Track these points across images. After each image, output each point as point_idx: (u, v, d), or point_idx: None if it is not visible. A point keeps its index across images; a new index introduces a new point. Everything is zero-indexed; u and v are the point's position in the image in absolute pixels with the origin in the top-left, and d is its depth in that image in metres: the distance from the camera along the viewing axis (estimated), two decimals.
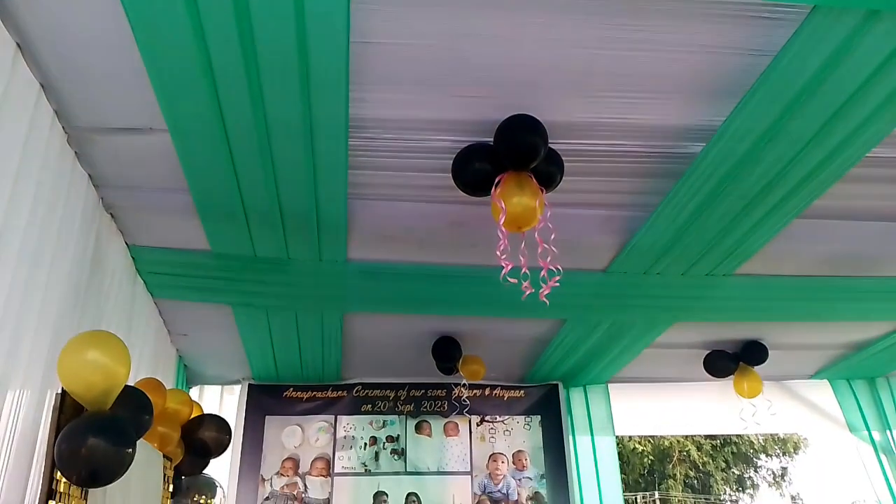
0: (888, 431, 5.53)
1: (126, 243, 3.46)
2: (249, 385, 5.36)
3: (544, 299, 2.59)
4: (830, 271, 3.92)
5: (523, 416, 5.58)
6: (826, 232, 3.47)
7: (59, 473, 2.16)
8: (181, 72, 2.24)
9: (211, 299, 4.07)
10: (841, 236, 3.53)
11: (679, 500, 19.74)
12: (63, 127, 2.61)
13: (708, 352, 5.02)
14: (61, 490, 2.19)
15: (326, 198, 2.99)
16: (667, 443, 19.19)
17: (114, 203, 3.13)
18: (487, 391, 5.58)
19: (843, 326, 4.81)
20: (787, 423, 5.98)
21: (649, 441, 19.05)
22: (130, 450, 2.21)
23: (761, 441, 19.60)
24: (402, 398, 5.51)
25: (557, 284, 2.60)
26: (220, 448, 3.65)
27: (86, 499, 2.34)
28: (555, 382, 5.63)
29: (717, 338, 4.91)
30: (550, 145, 2.53)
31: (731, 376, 5.03)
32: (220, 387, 5.47)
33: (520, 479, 5.37)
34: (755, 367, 4.96)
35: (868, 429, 5.54)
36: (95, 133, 2.65)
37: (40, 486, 2.19)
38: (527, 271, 2.57)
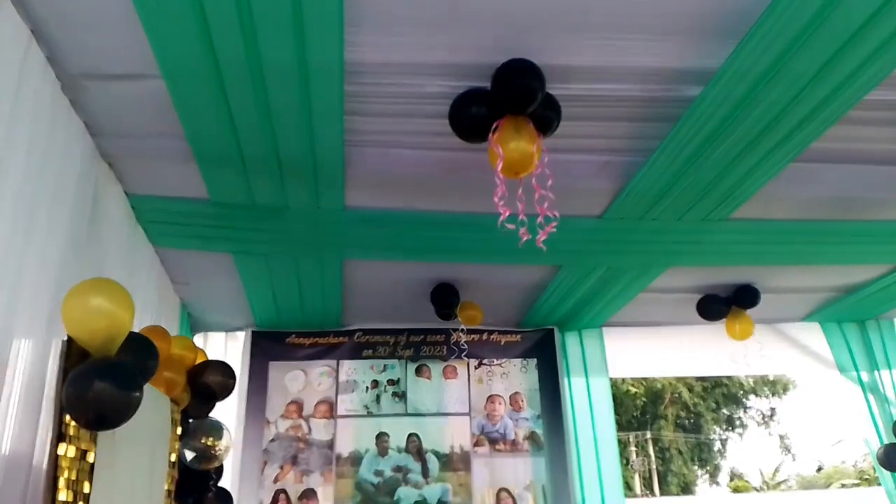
0: (876, 372, 5.65)
1: (125, 192, 3.46)
2: (253, 332, 5.44)
3: (541, 245, 2.61)
4: (825, 215, 3.94)
5: (520, 360, 5.69)
6: (822, 175, 3.48)
7: (68, 417, 2.21)
8: (172, 15, 2.21)
9: (211, 247, 4.09)
10: (836, 180, 3.55)
11: (670, 440, 20.27)
12: (56, 73, 2.58)
13: (701, 296, 5.08)
14: (71, 433, 2.25)
15: (323, 144, 2.99)
16: (659, 385, 19.59)
17: (111, 151, 3.12)
18: (485, 336, 5.68)
19: (835, 270, 4.87)
20: (777, 365, 6.10)
21: (642, 383, 19.44)
22: (137, 394, 2.26)
23: (751, 382, 20.02)
24: (401, 343, 5.61)
25: (554, 230, 2.63)
26: (225, 392, 3.71)
27: (95, 441, 2.40)
28: (550, 327, 5.72)
29: (710, 282, 4.96)
30: (548, 90, 2.52)
31: (724, 319, 5.11)
32: (223, 334, 5.54)
33: (517, 420, 5.50)
34: (747, 311, 5.03)
35: (857, 369, 5.66)
36: (89, 79, 2.62)
37: (51, 430, 2.25)
38: (524, 218, 2.58)
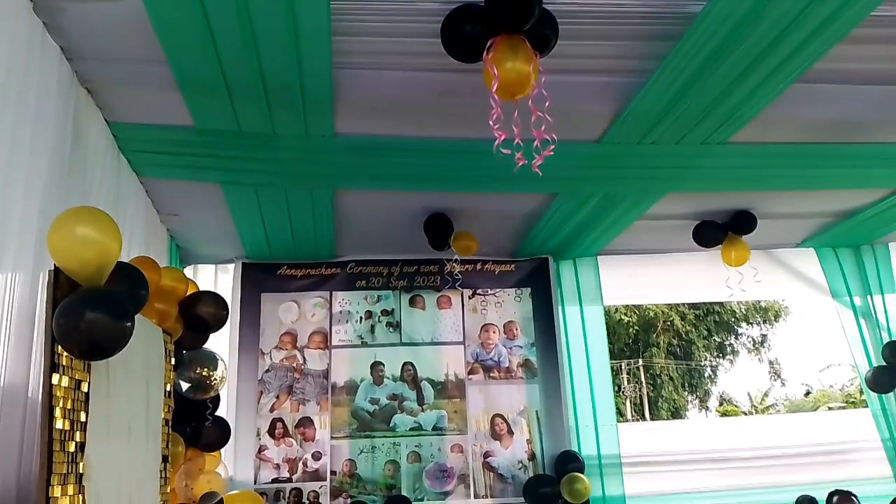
0: (869, 297, 5.69)
1: (106, 120, 3.35)
2: (243, 263, 5.41)
3: (537, 170, 2.54)
4: (825, 138, 3.88)
5: (514, 289, 5.70)
6: (824, 96, 3.40)
7: (59, 347, 2.19)
8: None
9: (198, 177, 4.00)
10: (839, 101, 3.46)
11: (661, 367, 20.69)
12: None
13: (697, 222, 5.06)
14: (64, 363, 2.23)
15: (310, 67, 2.87)
16: (652, 314, 19.86)
17: (90, 77, 3.00)
18: (479, 266, 5.66)
19: (833, 195, 4.83)
20: (771, 291, 6.14)
21: (635, 312, 19.70)
22: (129, 324, 2.24)
23: (743, 310, 20.32)
24: (395, 274, 5.60)
25: (551, 154, 2.55)
26: (218, 323, 3.71)
27: (89, 371, 2.39)
28: (545, 256, 5.70)
29: (707, 208, 4.93)
30: (544, 6, 2.40)
31: (720, 246, 5.10)
32: (213, 266, 5.51)
33: (511, 348, 5.56)
34: (743, 237, 5.02)
35: (850, 294, 5.70)
36: (63, 0, 2.49)
37: (43, 360, 2.23)
38: (519, 142, 2.51)
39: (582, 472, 5.10)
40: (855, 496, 3.98)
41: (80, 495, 2.26)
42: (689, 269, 5.74)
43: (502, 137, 2.48)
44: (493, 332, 5.58)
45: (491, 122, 2.47)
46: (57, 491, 2.14)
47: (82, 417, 2.33)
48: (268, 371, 5.29)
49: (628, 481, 5.27)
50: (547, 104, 2.52)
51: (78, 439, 2.29)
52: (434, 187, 4.38)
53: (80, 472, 2.28)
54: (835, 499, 3.98)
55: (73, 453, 2.25)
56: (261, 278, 5.42)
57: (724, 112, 3.38)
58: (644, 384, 20.56)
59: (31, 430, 2.60)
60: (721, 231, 5.03)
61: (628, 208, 4.72)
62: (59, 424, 2.18)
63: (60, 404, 2.19)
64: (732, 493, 5.29)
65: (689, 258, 5.60)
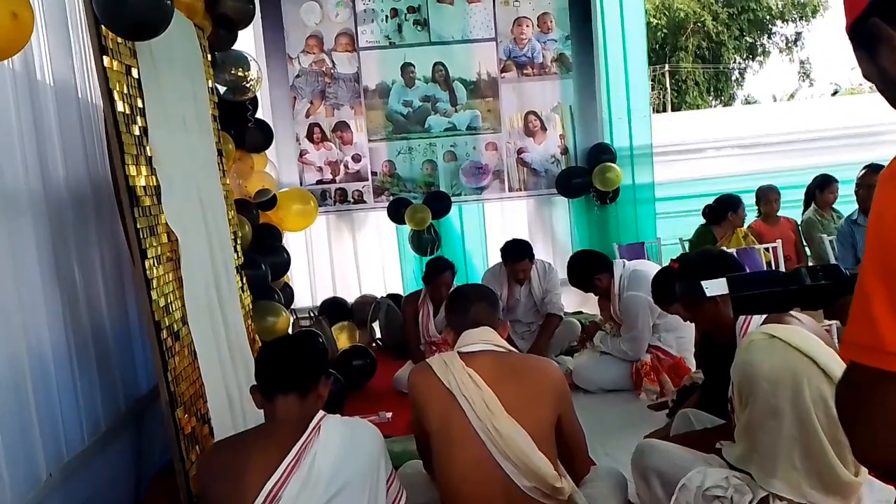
0: None
1: None
2: None
3: None
4: None
5: None
6: None
7: (104, 29, 2.13)
8: None
9: None
10: None
11: (688, 72, 20.17)
12: None
13: None
14: (111, 46, 2.19)
15: None
16: (682, 14, 18.79)
17: None
18: None
19: None
20: None
21: (664, 14, 18.65)
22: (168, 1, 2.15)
23: (780, 6, 19.10)
24: None
25: None
26: (245, 18, 3.56)
27: (136, 57, 2.35)
28: None
29: None
30: None
31: None
32: None
33: (545, 42, 5.36)
34: None
35: None
36: None
37: (91, 45, 2.18)
38: None
39: (614, 163, 5.25)
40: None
41: (153, 176, 2.38)
42: None
43: None
44: (527, 27, 5.34)
45: None
46: (132, 170, 2.24)
47: (139, 104, 2.36)
48: (298, 77, 5.24)
49: (657, 169, 5.42)
50: None
51: (140, 123, 2.34)
52: None
53: (149, 154, 2.37)
54: (863, 171, 4.07)
55: (139, 136, 2.32)
56: None
57: None
58: (668, 90, 20.19)
59: (87, 125, 2.68)
60: None
61: None
62: (119, 108, 2.20)
63: (117, 88, 2.20)
64: (761, 176, 5.44)
65: None
